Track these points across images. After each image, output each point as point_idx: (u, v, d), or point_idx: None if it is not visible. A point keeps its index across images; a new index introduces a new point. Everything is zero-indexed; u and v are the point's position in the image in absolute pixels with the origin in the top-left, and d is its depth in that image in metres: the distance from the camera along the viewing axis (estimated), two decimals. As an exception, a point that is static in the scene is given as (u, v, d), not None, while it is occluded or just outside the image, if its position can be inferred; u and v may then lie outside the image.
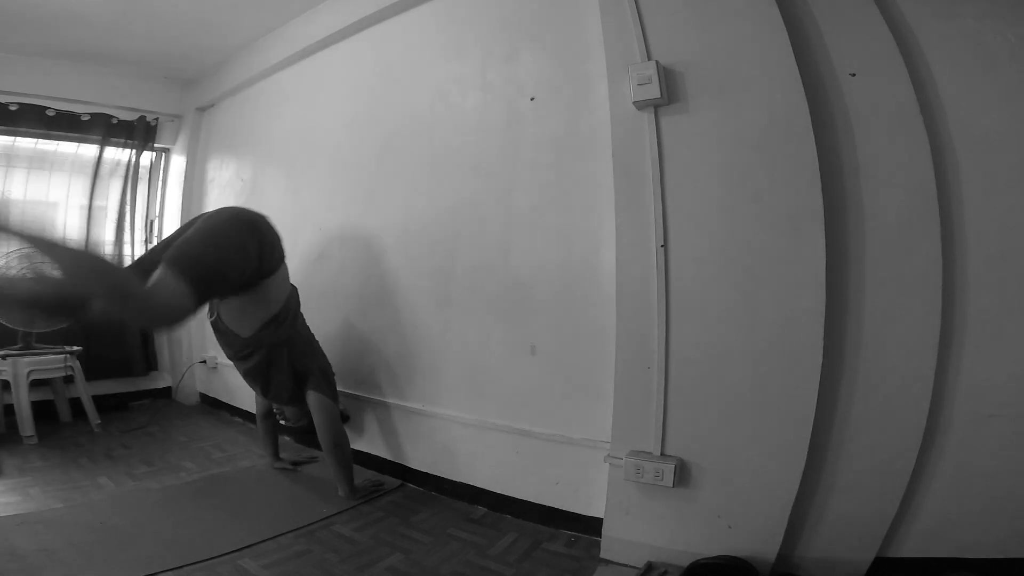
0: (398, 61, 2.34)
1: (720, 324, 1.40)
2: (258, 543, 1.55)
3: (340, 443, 1.92)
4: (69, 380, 2.74)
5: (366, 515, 1.80)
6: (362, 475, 2.07)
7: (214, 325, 1.92)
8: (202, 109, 3.59)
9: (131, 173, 3.46)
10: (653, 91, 1.45)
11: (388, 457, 2.18)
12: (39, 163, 3.19)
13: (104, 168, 3.36)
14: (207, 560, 1.44)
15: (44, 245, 1.19)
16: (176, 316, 1.40)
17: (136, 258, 1.68)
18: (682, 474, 1.43)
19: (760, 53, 1.39)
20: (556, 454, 1.73)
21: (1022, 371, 1.23)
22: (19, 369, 2.47)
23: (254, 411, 2.29)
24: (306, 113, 2.80)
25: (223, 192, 3.32)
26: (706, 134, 1.44)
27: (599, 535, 1.56)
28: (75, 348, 2.75)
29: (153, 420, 2.94)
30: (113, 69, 3.32)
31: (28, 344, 2.67)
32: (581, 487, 1.67)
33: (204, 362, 3.24)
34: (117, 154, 3.42)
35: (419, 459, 2.08)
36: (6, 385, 2.48)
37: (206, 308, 1.85)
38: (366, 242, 2.36)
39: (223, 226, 1.62)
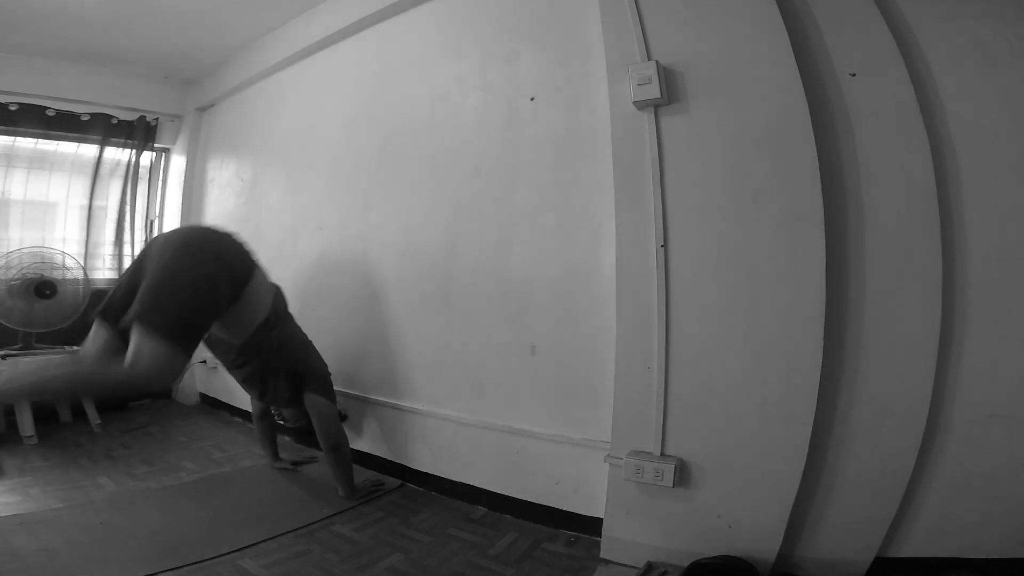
0: (398, 61, 2.34)
1: (720, 324, 1.40)
2: (258, 543, 1.55)
3: (339, 443, 1.92)
4: (69, 380, 2.74)
5: (366, 515, 1.80)
6: (362, 475, 2.07)
7: (207, 340, 1.90)
8: (202, 109, 3.59)
9: (131, 173, 3.46)
10: (653, 91, 1.45)
11: (388, 457, 2.18)
12: (39, 163, 3.20)
13: (104, 168, 3.36)
14: (207, 560, 1.44)
15: (22, 394, 1.24)
16: (171, 375, 1.36)
17: (102, 306, 1.60)
18: (682, 474, 1.43)
19: (760, 53, 1.39)
20: (556, 454, 1.73)
21: (1022, 371, 1.24)
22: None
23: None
24: (306, 113, 2.80)
25: (223, 192, 3.33)
26: (706, 134, 1.44)
27: (599, 535, 1.56)
28: (75, 348, 2.75)
29: (153, 420, 2.93)
30: (113, 69, 3.32)
31: (28, 344, 2.68)
32: (581, 487, 1.67)
33: (204, 362, 3.23)
34: (117, 154, 3.42)
35: (419, 459, 2.08)
36: (6, 385, 2.48)
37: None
38: (366, 242, 2.36)
39: (181, 262, 1.46)
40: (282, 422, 2.16)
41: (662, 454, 1.46)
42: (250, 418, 2.36)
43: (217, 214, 3.36)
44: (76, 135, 3.25)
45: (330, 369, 2.11)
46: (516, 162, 1.90)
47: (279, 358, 1.92)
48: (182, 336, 1.36)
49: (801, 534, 1.37)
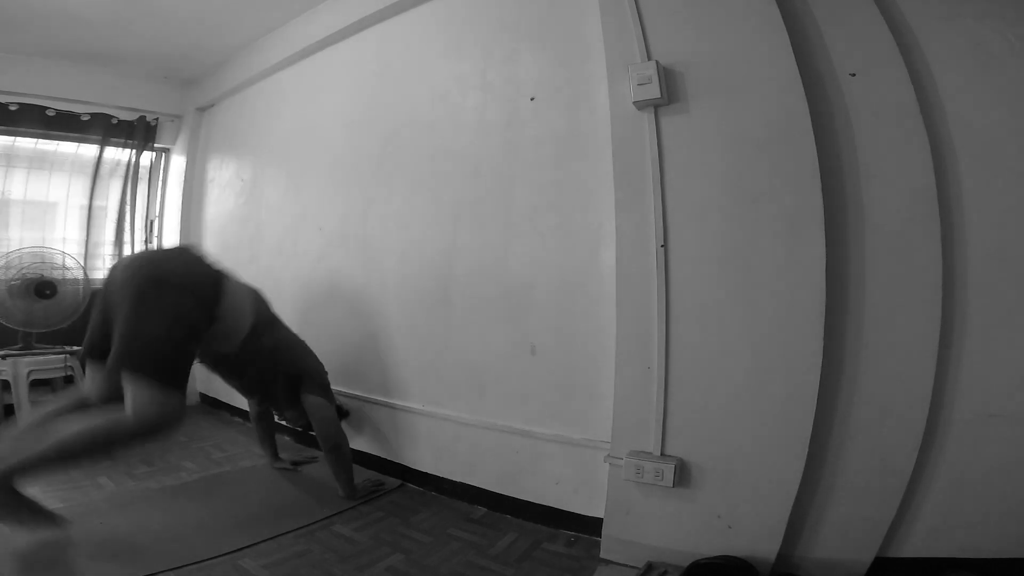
0: (398, 61, 2.34)
1: (720, 324, 1.40)
2: (258, 543, 1.55)
3: (339, 444, 1.92)
4: (69, 380, 2.74)
5: (366, 515, 1.80)
6: (362, 475, 2.07)
7: (200, 361, 1.90)
8: (202, 109, 3.58)
9: (131, 173, 3.46)
10: (653, 91, 1.45)
11: (388, 457, 2.18)
12: (39, 163, 3.20)
13: (104, 168, 3.36)
14: (207, 560, 1.43)
15: (46, 459, 1.27)
16: (175, 416, 1.38)
17: (85, 349, 1.59)
18: (682, 474, 1.43)
19: (760, 53, 1.39)
20: (556, 454, 1.73)
21: (1022, 371, 1.24)
22: (19, 369, 2.47)
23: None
24: (306, 113, 2.80)
25: (223, 192, 3.33)
26: (706, 134, 1.44)
27: (599, 535, 1.56)
28: (75, 348, 2.75)
29: (153, 420, 2.93)
30: (113, 69, 3.32)
31: (28, 344, 2.68)
32: (581, 487, 1.67)
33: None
34: (117, 154, 3.43)
35: (419, 459, 2.07)
36: (6, 385, 2.48)
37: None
38: (366, 241, 2.36)
39: (142, 307, 1.43)
40: (284, 422, 2.16)
41: (662, 454, 1.46)
42: (250, 418, 2.36)
43: (217, 214, 3.36)
44: (76, 135, 3.25)
45: (329, 368, 2.11)
46: (516, 162, 1.90)
47: (273, 363, 1.93)
48: (171, 376, 1.38)
49: (801, 534, 1.37)
